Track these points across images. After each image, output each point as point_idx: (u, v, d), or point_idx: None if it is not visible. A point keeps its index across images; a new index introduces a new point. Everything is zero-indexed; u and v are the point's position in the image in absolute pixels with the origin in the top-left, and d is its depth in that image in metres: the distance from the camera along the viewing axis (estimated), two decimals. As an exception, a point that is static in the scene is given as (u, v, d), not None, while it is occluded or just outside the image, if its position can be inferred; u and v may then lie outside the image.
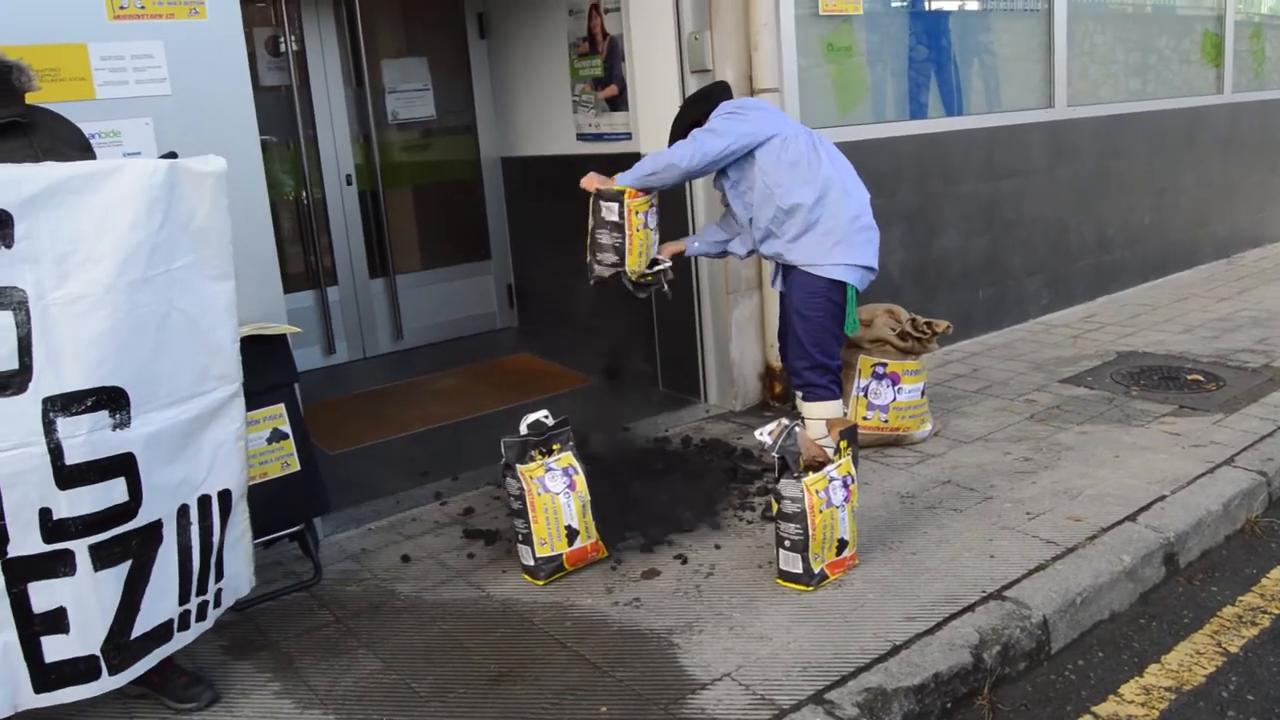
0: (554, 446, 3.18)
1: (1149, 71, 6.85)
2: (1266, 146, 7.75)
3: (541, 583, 3.10)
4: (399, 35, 5.93)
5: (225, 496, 2.48)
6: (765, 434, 3.02)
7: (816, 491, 2.92)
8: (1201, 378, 4.74)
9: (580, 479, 3.16)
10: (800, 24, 4.66)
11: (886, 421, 4.05)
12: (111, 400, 2.16)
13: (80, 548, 2.19)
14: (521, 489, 3.08)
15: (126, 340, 2.18)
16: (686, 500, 3.62)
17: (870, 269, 3.57)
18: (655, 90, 4.59)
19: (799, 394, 3.66)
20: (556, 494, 3.10)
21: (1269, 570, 3.27)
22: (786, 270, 3.60)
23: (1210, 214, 7.29)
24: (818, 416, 3.54)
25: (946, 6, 5.48)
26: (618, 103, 5.10)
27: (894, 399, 4.03)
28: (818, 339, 3.54)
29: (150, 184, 2.19)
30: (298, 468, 3.09)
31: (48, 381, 2.09)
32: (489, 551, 3.39)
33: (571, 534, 3.12)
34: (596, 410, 4.82)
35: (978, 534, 3.29)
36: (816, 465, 3.00)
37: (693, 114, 3.63)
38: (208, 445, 2.40)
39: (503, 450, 3.10)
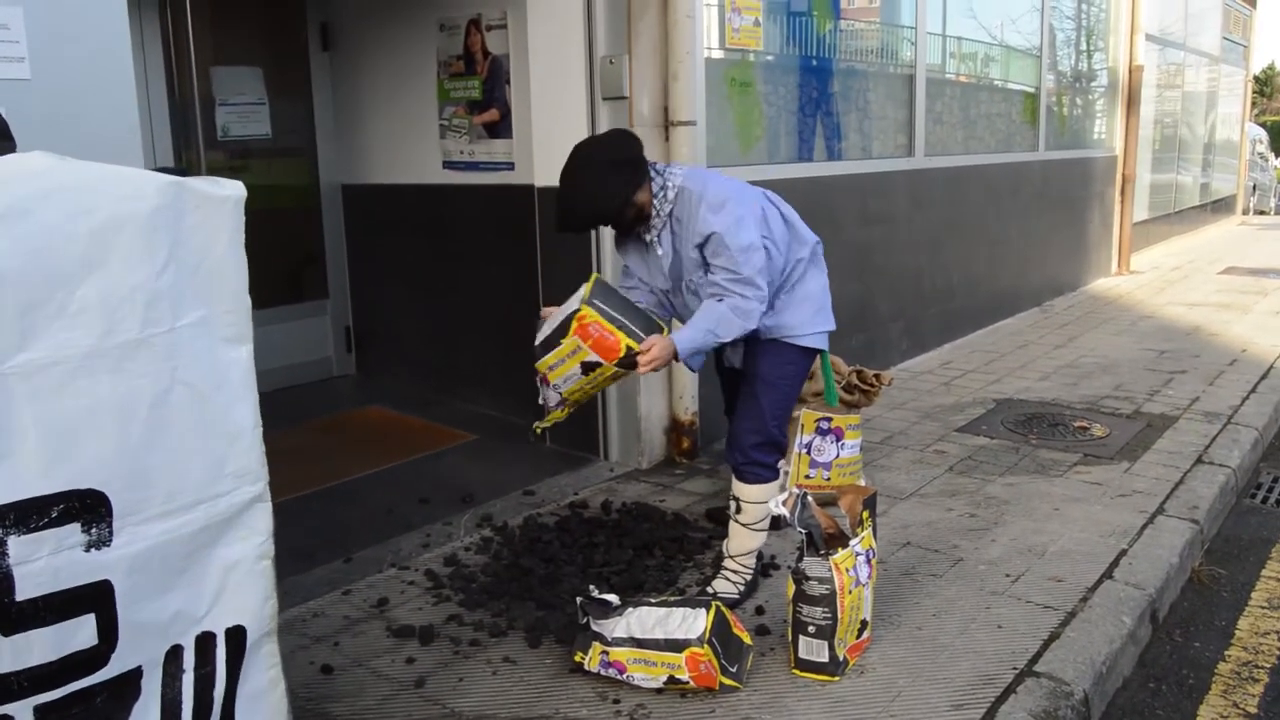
0: None
1: (991, 123, 7.20)
2: (1066, 201, 8.29)
3: None
4: (231, 41, 5.13)
5: (237, 635, 1.79)
6: (778, 505, 2.65)
7: (846, 570, 2.57)
8: (1085, 425, 4.83)
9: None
10: (709, 56, 4.38)
11: (829, 480, 3.76)
12: (86, 509, 1.48)
13: (23, 710, 1.49)
14: None
15: (110, 425, 1.52)
16: (642, 580, 3.17)
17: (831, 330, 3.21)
18: (555, 117, 4.13)
19: (734, 474, 3.13)
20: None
21: (1235, 621, 3.25)
22: (748, 339, 3.09)
23: (1028, 263, 7.68)
24: (756, 500, 3.06)
25: (829, 55, 5.40)
26: (498, 129, 4.61)
27: (837, 455, 3.75)
28: (780, 411, 3.09)
29: (155, 207, 1.55)
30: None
31: None
32: (430, 653, 2.78)
33: None
34: (487, 471, 4.27)
35: (970, 602, 3.05)
36: (834, 539, 2.66)
37: (623, 185, 2.86)
38: (215, 567, 1.73)
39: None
